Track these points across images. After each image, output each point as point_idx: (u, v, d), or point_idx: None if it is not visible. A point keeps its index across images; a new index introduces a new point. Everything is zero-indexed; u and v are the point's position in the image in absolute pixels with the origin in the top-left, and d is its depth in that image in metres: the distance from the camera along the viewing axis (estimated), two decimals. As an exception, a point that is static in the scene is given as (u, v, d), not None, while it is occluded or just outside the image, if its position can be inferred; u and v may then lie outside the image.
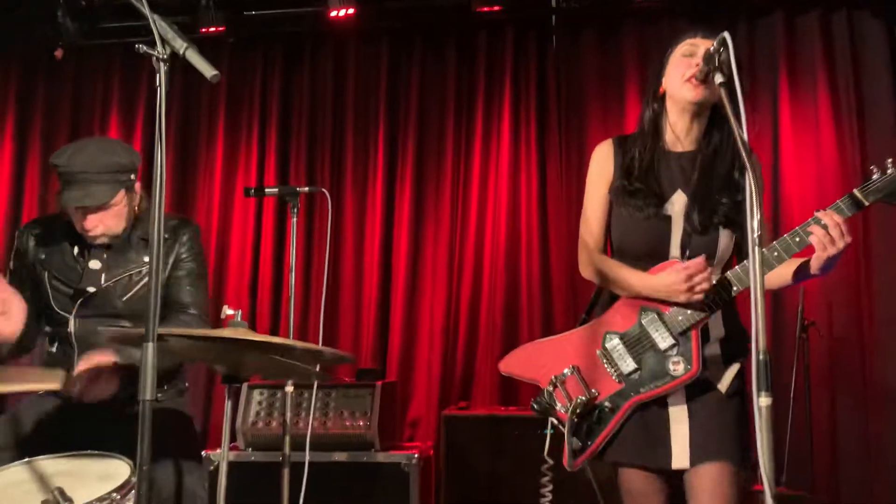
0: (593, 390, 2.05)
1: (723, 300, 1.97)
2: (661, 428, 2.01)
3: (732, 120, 1.78)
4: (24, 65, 4.97)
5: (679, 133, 2.10)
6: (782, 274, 2.00)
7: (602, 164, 2.17)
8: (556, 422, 2.08)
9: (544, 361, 2.14)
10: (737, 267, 1.97)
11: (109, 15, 4.61)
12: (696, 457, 1.96)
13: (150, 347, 1.51)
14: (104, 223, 2.37)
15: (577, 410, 2.02)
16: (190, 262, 2.54)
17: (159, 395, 2.45)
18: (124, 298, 2.43)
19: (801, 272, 1.97)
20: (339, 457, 3.35)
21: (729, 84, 1.83)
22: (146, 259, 2.43)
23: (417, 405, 4.32)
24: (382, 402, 3.46)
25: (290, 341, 1.83)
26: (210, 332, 1.84)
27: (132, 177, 2.39)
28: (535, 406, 2.10)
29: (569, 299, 4.29)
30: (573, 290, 4.28)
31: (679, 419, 2.00)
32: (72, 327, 2.42)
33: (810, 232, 1.86)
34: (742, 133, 1.75)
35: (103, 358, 2.21)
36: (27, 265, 2.49)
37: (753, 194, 1.66)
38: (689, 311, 1.97)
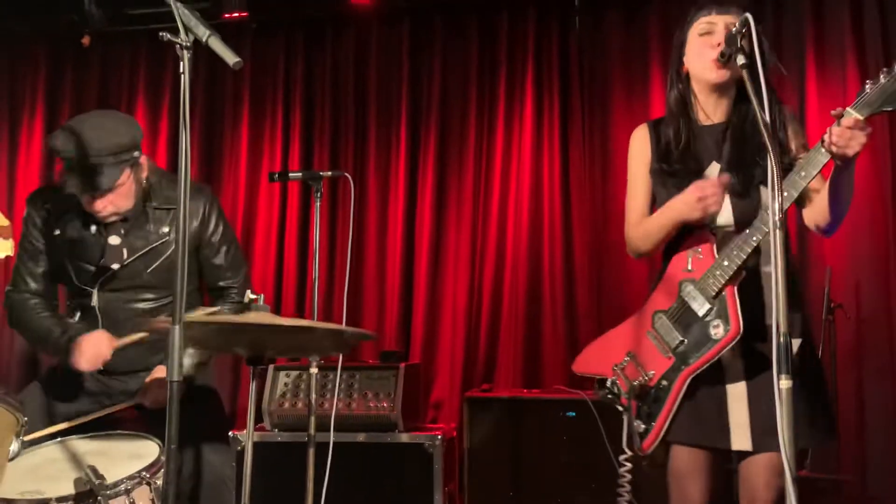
0: (650, 372, 2.09)
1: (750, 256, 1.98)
2: (717, 406, 2.02)
3: (755, 101, 1.78)
4: (51, 52, 5.04)
5: (708, 109, 2.14)
6: (819, 203, 2.03)
7: (639, 148, 2.22)
8: (621, 409, 2.13)
9: (607, 353, 2.21)
10: (756, 219, 1.97)
11: (135, 1, 4.65)
12: (761, 443, 1.96)
13: (177, 330, 1.54)
14: (114, 203, 2.35)
15: (636, 393, 2.08)
16: (218, 226, 2.55)
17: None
18: (149, 270, 2.44)
19: (833, 184, 1.97)
20: (363, 437, 3.39)
21: (751, 65, 1.83)
22: (165, 229, 2.44)
23: (440, 387, 4.34)
24: (406, 384, 3.49)
25: (312, 323, 1.86)
26: (233, 318, 1.87)
27: (135, 154, 2.33)
28: (602, 397, 2.17)
29: (592, 283, 4.28)
30: (597, 273, 4.27)
31: (737, 397, 2.01)
32: (95, 301, 2.44)
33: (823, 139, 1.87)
34: (764, 115, 1.75)
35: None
36: (42, 237, 2.47)
37: (775, 177, 1.66)
38: (717, 272, 1.99)
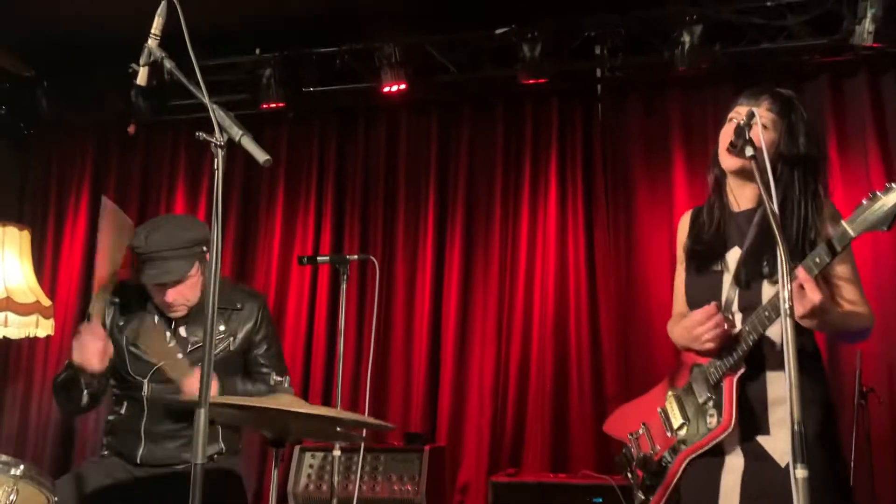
0: (656, 446, 2.14)
1: (750, 351, 1.97)
2: (712, 478, 2.00)
3: (763, 191, 1.83)
4: (99, 141, 5.31)
5: (736, 193, 2.15)
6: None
7: (680, 235, 2.28)
8: (629, 476, 2.21)
9: (629, 420, 2.28)
10: (752, 315, 1.96)
11: (176, 92, 4.90)
12: None
13: (203, 413, 1.60)
14: (183, 295, 2.51)
15: (641, 465, 2.15)
16: (266, 329, 2.71)
17: (216, 454, 2.55)
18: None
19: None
20: (388, 521, 3.37)
21: (758, 157, 1.89)
22: (222, 328, 2.59)
23: (467, 470, 4.30)
24: (431, 467, 3.48)
25: (328, 410, 1.91)
26: (256, 402, 1.93)
27: (204, 248, 2.54)
28: (616, 462, 2.27)
29: (619, 364, 4.26)
30: (623, 354, 4.26)
31: (731, 482, 1.96)
32: (145, 391, 2.54)
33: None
34: (773, 205, 1.79)
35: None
36: (105, 327, 2.58)
37: (784, 267, 1.69)
38: (718, 362, 2.01)
